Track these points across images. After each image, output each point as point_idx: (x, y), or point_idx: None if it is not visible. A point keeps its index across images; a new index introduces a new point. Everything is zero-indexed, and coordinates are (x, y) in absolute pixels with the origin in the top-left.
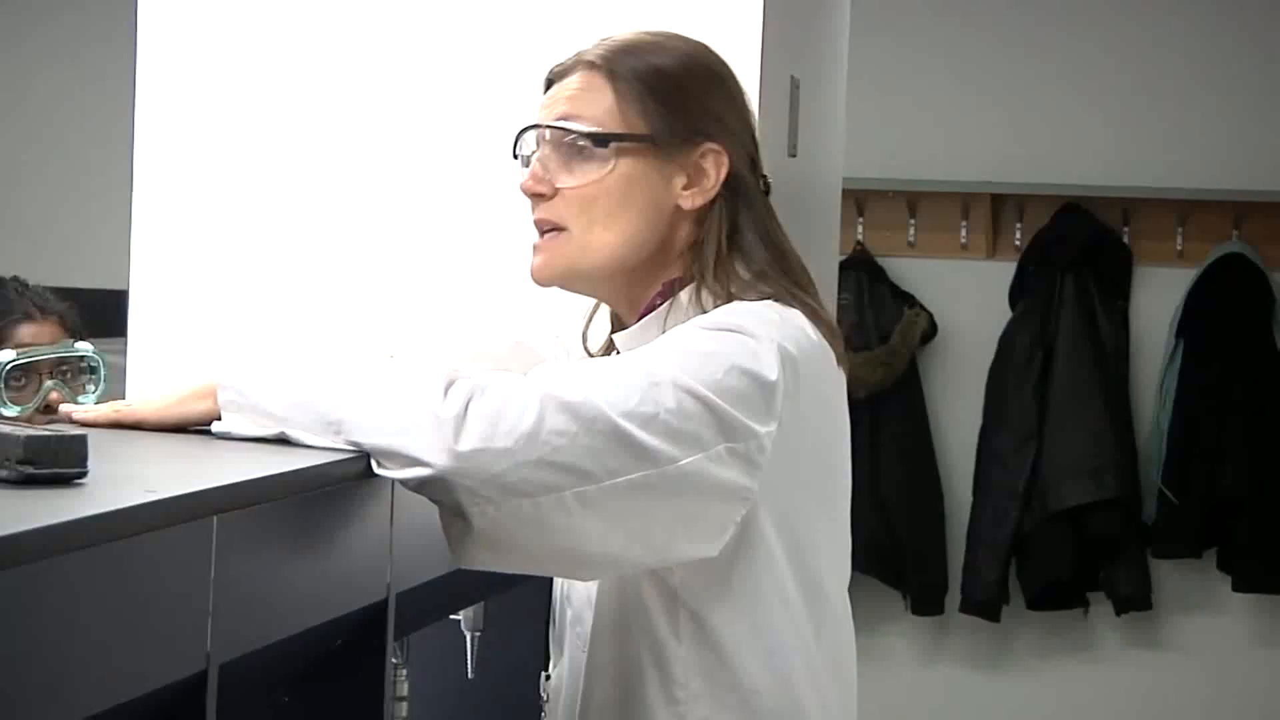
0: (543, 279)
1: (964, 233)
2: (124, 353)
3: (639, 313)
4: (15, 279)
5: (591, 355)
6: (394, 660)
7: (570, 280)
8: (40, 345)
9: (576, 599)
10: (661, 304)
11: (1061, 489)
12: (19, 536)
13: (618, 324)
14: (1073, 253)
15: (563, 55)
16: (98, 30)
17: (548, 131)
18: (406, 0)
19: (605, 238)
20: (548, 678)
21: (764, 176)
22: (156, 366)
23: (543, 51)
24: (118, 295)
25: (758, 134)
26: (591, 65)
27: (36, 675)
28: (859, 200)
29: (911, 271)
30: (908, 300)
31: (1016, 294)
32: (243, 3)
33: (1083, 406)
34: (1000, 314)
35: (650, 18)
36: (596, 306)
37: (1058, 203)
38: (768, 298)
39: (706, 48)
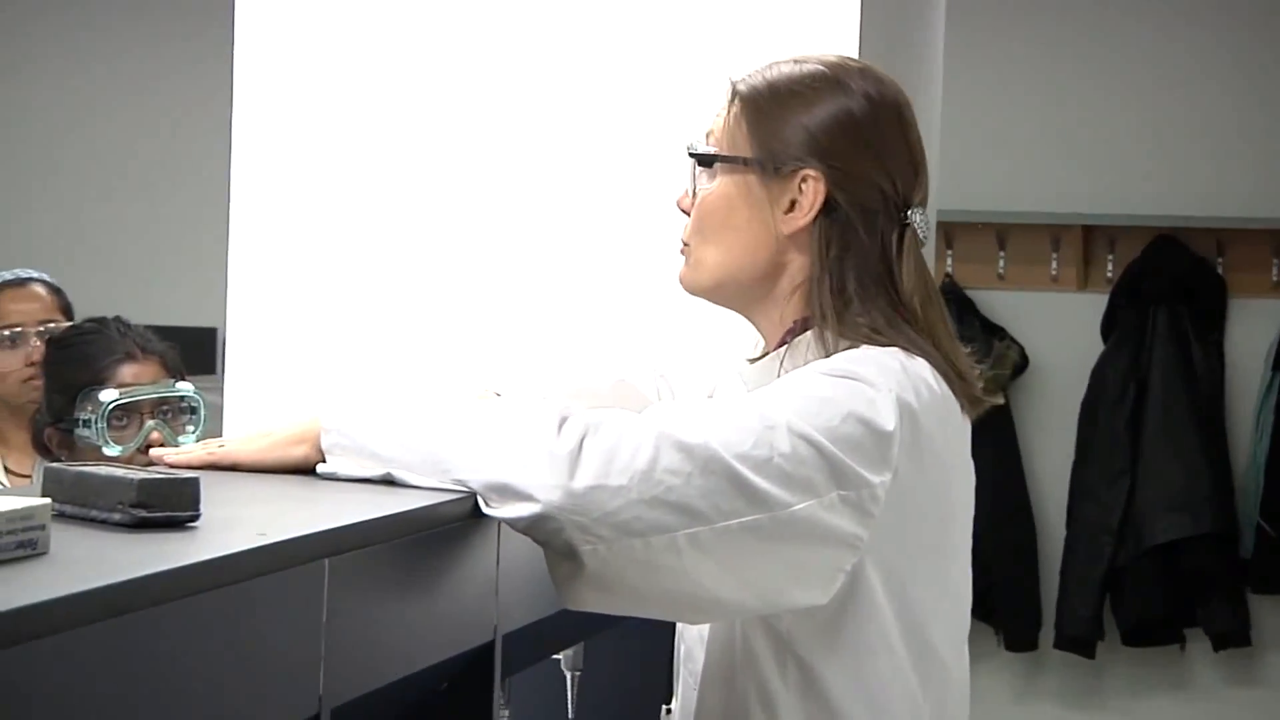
0: (683, 288)
1: (1054, 265)
2: (219, 390)
3: (773, 346)
4: (118, 319)
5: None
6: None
7: (696, 294)
8: (142, 385)
9: (689, 636)
10: (789, 341)
11: (1156, 524)
12: (134, 582)
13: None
14: (1166, 285)
15: (671, 82)
16: (194, 71)
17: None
18: (503, 59)
19: (710, 254)
20: (669, 711)
21: (904, 211)
22: (252, 404)
23: (646, 82)
24: (211, 333)
25: (907, 171)
26: (730, 84)
27: None
28: (948, 232)
29: (1001, 304)
30: (998, 333)
31: (1108, 327)
32: (338, 43)
33: (1177, 440)
34: (1092, 347)
35: (752, 53)
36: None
37: (1150, 234)
38: (893, 345)
39: (861, 75)
